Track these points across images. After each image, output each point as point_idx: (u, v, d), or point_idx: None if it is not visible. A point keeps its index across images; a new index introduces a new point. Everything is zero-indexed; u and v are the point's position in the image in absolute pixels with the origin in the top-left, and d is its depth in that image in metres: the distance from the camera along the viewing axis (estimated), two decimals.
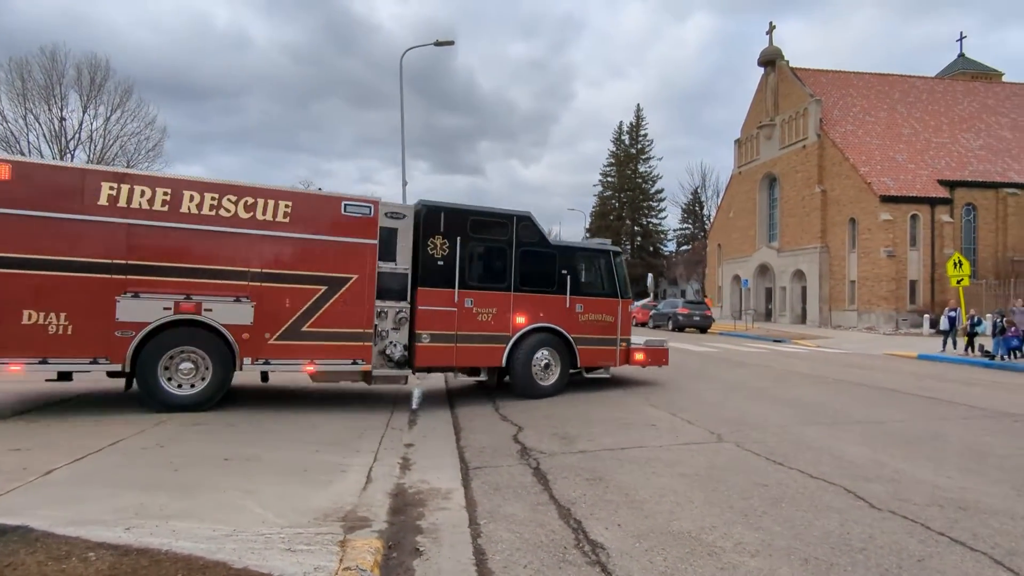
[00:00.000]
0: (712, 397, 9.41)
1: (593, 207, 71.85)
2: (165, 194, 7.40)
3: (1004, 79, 44.78)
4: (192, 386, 7.59)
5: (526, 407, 8.70)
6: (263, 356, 7.87)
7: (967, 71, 45.13)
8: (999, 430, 7.13)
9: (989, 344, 16.83)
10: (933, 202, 29.80)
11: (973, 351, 17.22)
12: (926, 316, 26.85)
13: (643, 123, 68.36)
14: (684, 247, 69.35)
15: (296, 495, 4.75)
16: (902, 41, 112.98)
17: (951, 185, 30.53)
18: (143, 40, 79.77)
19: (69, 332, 6.97)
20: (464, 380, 10.90)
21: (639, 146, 68.28)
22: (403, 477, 5.43)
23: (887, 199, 29.19)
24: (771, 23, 37.92)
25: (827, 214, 32.86)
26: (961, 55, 48.06)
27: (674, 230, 70.71)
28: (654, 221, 69.03)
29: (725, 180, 47.89)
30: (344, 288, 8.21)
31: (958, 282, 18.35)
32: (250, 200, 7.79)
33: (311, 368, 8.13)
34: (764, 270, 38.00)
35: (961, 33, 71.36)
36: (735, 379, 11.78)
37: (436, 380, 12.02)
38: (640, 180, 67.89)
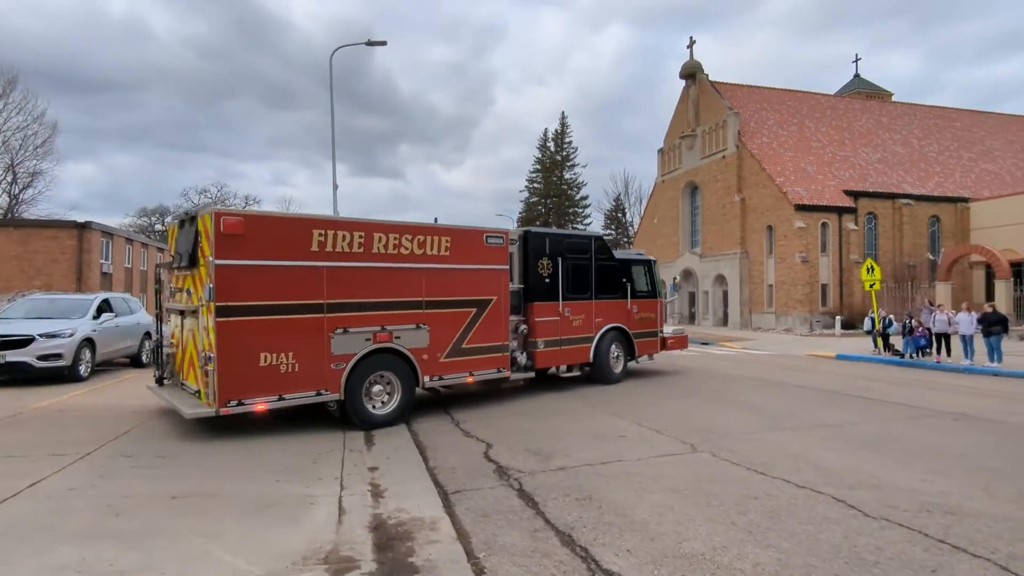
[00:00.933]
0: (671, 405, 9.47)
1: (520, 213, 72.37)
2: (360, 237, 8.13)
3: (894, 99, 48.86)
4: (384, 404, 8.42)
5: (487, 422, 8.41)
6: (437, 373, 8.92)
7: (862, 90, 48.85)
8: (945, 429, 7.53)
9: (899, 343, 18.10)
10: (840, 211, 31.95)
11: (886, 350, 18.46)
12: (838, 318, 28.66)
13: (568, 130, 69.61)
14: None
15: (266, 536, 4.25)
16: (801, 60, 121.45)
17: (855, 195, 32.84)
18: (25, 26, 72.70)
19: (296, 369, 7.53)
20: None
21: (564, 153, 69.43)
22: (378, 506, 5.01)
23: (801, 208, 31.01)
24: (691, 38, 39.57)
25: (746, 221, 34.52)
26: (857, 75, 51.97)
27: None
28: (580, 227, 70.30)
29: (647, 187, 49.39)
30: (488, 308, 9.50)
31: (870, 286, 19.64)
32: (421, 238, 8.75)
33: (471, 379, 9.36)
34: (688, 275, 39.45)
35: (856, 55, 77.33)
36: (684, 385, 11.96)
37: None
38: (566, 187, 69.01)
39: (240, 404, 7.16)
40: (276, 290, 7.43)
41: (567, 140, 69.27)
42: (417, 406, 9.71)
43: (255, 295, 7.27)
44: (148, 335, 15.67)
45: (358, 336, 8.06)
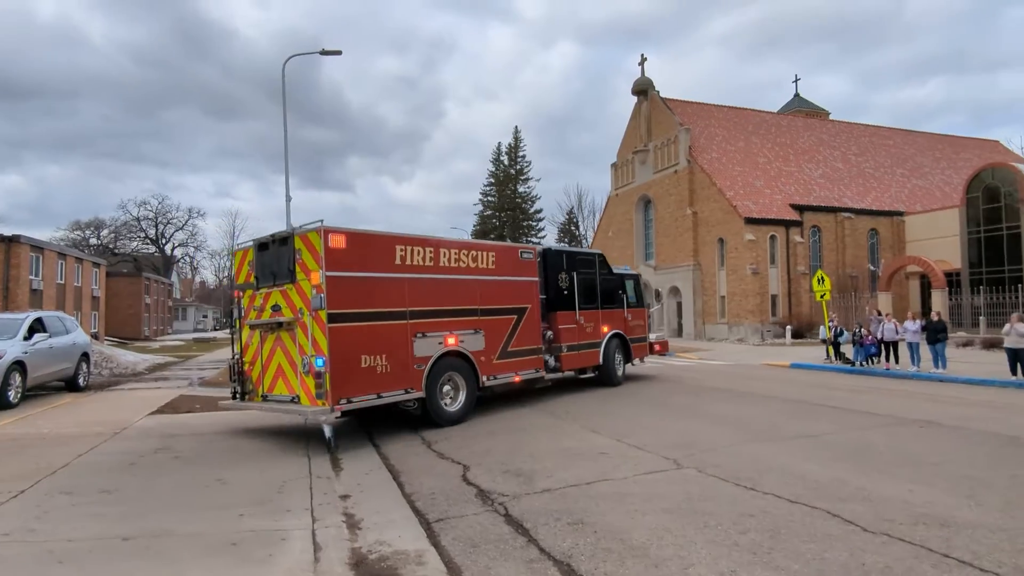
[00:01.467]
0: (645, 418, 9.36)
1: (474, 226, 72.17)
2: (431, 252, 9.28)
3: (831, 117, 51.18)
4: (452, 401, 9.45)
5: (460, 442, 8.08)
6: (492, 373, 10.08)
7: (802, 109, 50.96)
8: (915, 437, 7.64)
9: (850, 352, 18.66)
10: (788, 224, 33.07)
11: (837, 359, 19.01)
12: (788, 327, 29.50)
13: (521, 144, 70.07)
14: None
15: None
16: (742, 79, 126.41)
17: (800, 209, 34.08)
18: None
19: (388, 370, 8.44)
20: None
21: (518, 167, 69.78)
22: (356, 539, 4.65)
23: (750, 221, 31.93)
24: (643, 55, 40.45)
25: (698, 234, 35.31)
26: (797, 95, 54.24)
27: None
28: (534, 240, 70.61)
29: (599, 201, 49.92)
30: (525, 315, 10.84)
31: (821, 296, 20.26)
32: (475, 252, 10.08)
33: (517, 378, 10.63)
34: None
35: (796, 76, 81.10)
36: (654, 397, 11.92)
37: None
38: (520, 200, 69.28)
39: (348, 402, 7.94)
40: (371, 299, 8.39)
41: (521, 154, 69.71)
42: (384, 426, 9.29)
43: (356, 303, 8.19)
44: (86, 356, 14.63)
45: (433, 340, 9.13)
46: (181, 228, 69.79)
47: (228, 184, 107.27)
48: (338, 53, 20.98)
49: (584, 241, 69.52)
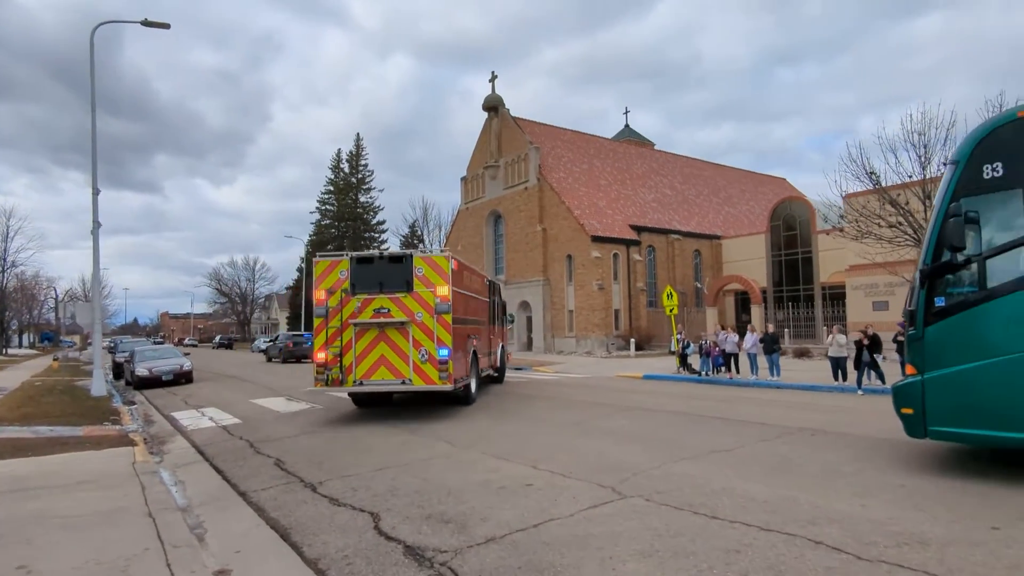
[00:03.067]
0: (548, 439, 8.71)
1: (310, 235, 67.71)
2: (475, 277, 14.11)
3: (655, 147, 56.14)
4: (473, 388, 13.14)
5: (350, 481, 6.76)
6: (485, 367, 14.39)
7: (632, 139, 55.32)
8: (819, 446, 7.81)
9: (696, 363, 19.93)
10: (628, 243, 35.20)
11: (685, 369, 20.20)
12: (632, 340, 31.17)
13: (364, 152, 67.41)
14: None
15: None
16: (572, 107, 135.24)
17: (638, 229, 36.52)
18: None
19: (463, 362, 12.11)
20: (209, 437, 8.31)
21: (360, 175, 66.94)
22: None
23: (596, 239, 33.44)
24: (493, 72, 40.91)
25: (548, 250, 36.23)
26: (627, 126, 58.79)
27: None
28: (376, 252, 68.07)
29: (444, 215, 49.31)
30: (488, 327, 15.20)
31: (671, 311, 21.52)
32: (478, 278, 14.55)
33: (491, 371, 16.08)
34: None
35: (626, 108, 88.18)
36: (540, 414, 11.38)
37: (179, 451, 9.03)
38: (361, 210, 66.41)
39: (456, 383, 11.15)
40: (465, 309, 12.23)
41: (363, 162, 67.03)
42: (239, 465, 7.59)
43: (461, 312, 11.77)
44: None
45: (472, 341, 12.95)
46: None
47: None
48: (165, 26, 18.06)
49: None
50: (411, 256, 11.03)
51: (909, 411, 6.24)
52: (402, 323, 10.76)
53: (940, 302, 6.01)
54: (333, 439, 9.43)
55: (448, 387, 10.63)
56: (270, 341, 42.55)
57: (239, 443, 9.46)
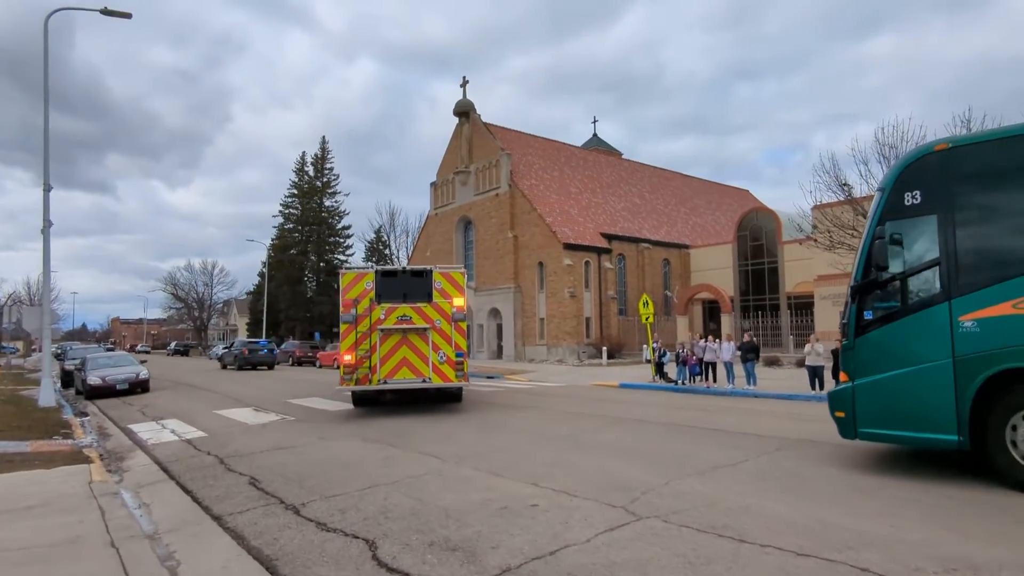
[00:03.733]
0: (543, 454, 8.29)
1: (272, 239, 65.86)
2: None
3: (623, 156, 56.60)
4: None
5: (337, 501, 6.22)
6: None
7: (600, 148, 55.63)
8: (818, 459, 7.63)
9: (673, 371, 19.82)
10: (600, 251, 35.18)
11: (661, 378, 20.07)
12: (604, 348, 31.03)
13: (329, 156, 66.02)
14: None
15: None
16: (540, 115, 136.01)
17: (609, 238, 36.56)
18: None
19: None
20: (173, 452, 7.66)
21: (325, 179, 65.47)
22: None
23: (568, 247, 33.31)
24: (464, 78, 40.61)
25: (519, 257, 35.92)
26: (595, 135, 59.11)
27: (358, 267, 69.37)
28: (341, 257, 66.63)
29: (411, 221, 48.57)
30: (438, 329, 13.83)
31: (646, 319, 21.41)
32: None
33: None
34: None
35: (595, 117, 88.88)
36: (528, 426, 10.97)
37: (141, 468, 8.33)
38: (326, 214, 64.92)
39: (467, 379, 13.25)
40: (468, 316, 15.87)
41: (328, 166, 65.63)
42: (209, 482, 6.96)
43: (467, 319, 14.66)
44: None
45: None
46: None
47: None
48: (127, 16, 17.15)
49: (396, 260, 67.59)
50: (431, 271, 12.83)
51: (842, 414, 6.88)
52: (423, 329, 12.48)
53: (868, 315, 6.66)
54: (310, 454, 8.83)
55: (463, 384, 12.88)
56: (226, 348, 41.02)
57: (207, 459, 8.78)
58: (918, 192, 6.44)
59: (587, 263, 34.43)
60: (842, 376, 7.00)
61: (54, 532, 5.40)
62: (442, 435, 10.07)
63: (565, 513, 5.52)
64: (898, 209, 6.55)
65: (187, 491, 6.99)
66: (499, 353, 37.09)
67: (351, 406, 14.41)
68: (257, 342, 34.87)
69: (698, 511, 5.43)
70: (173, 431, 11.54)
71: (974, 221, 6.17)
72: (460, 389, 13.83)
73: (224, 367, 34.98)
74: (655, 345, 20.80)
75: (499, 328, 37.32)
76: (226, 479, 7.49)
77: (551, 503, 5.86)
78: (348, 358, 12.28)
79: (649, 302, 21.24)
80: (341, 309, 12.45)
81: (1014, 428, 5.83)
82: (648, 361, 21.47)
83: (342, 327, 12.49)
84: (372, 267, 13.10)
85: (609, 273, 35.34)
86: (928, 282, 6.39)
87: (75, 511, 6.12)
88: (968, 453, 6.17)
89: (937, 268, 6.26)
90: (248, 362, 32.41)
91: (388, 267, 13.27)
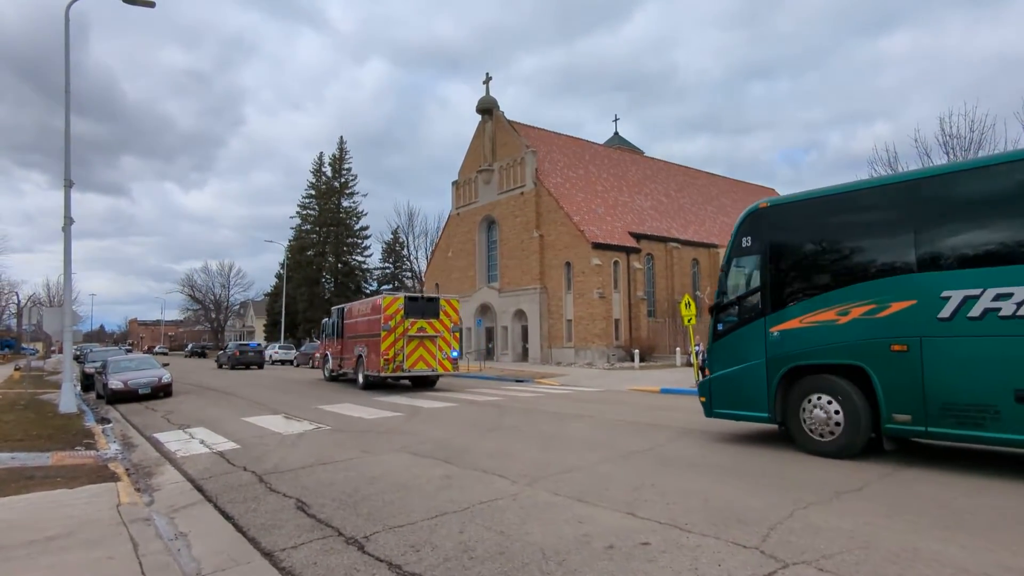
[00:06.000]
0: (625, 474, 7.33)
1: (290, 240, 65.56)
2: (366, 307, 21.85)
3: (646, 154, 55.44)
4: None
5: (402, 534, 5.32)
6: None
7: (622, 147, 54.55)
8: (942, 479, 6.64)
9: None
10: (628, 251, 34.13)
11: None
12: (635, 351, 29.99)
13: (347, 156, 65.58)
14: (385, 286, 67.87)
15: None
16: (552, 117, 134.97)
17: (638, 237, 35.50)
18: None
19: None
20: (206, 467, 6.80)
21: (343, 180, 65.05)
22: None
23: (597, 246, 32.30)
24: (487, 74, 39.71)
25: (545, 257, 34.96)
26: (616, 133, 57.99)
27: (375, 268, 68.91)
28: (359, 258, 66.12)
29: (430, 222, 47.76)
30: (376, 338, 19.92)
31: (688, 321, 20.38)
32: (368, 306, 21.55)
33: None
34: (485, 309, 38.64)
35: (616, 115, 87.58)
36: (586, 437, 10.04)
37: (172, 487, 7.52)
38: (344, 215, 64.46)
39: (457, 369, 20.72)
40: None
41: (346, 166, 65.24)
42: (260, 509, 6.09)
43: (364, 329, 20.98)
44: None
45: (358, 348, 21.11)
46: None
47: None
48: (150, 4, 16.47)
49: (412, 261, 66.96)
50: (438, 298, 20.02)
51: (704, 399, 9.33)
52: (433, 336, 19.38)
53: (719, 327, 9.10)
54: (358, 471, 7.95)
55: (456, 371, 20.61)
56: (221, 350, 47.58)
57: (244, 476, 7.93)
58: (749, 237, 8.66)
59: (615, 263, 33.40)
60: (706, 371, 9.37)
61: (79, 572, 4.56)
62: (498, 449, 9.16)
63: (688, 555, 4.58)
64: (738, 249, 8.82)
65: (228, 517, 6.13)
66: (524, 355, 36.15)
67: (387, 413, 13.63)
68: (248, 344, 40.64)
69: (852, 555, 4.47)
70: (202, 441, 10.73)
71: (779, 260, 8.33)
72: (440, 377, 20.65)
73: (220, 367, 38.89)
74: (698, 348, 19.79)
75: (524, 330, 36.38)
76: (269, 501, 6.63)
77: (664, 541, 4.92)
78: (389, 354, 18.48)
79: (692, 303, 20.19)
80: (382, 320, 18.61)
81: (803, 409, 7.94)
82: (689, 364, 20.44)
83: (382, 333, 18.52)
84: (403, 294, 19.77)
85: (638, 273, 34.28)
86: (754, 304, 8.56)
87: (102, 543, 5.28)
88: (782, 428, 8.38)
89: (759, 294, 8.47)
90: (240, 362, 36.63)
91: (412, 294, 20.54)
